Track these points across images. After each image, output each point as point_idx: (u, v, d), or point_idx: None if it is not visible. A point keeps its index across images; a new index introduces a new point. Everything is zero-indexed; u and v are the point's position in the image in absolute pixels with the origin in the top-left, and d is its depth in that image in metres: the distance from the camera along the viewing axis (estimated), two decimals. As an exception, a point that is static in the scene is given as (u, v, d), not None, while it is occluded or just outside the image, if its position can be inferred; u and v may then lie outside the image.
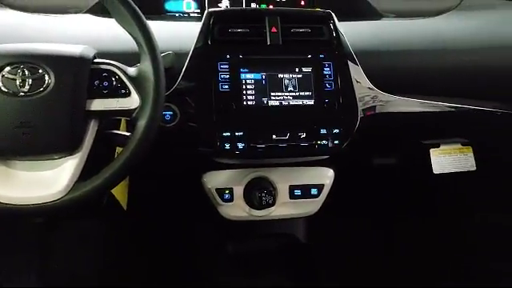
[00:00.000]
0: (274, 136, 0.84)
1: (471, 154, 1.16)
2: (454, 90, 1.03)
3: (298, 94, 0.86)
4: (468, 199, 1.42)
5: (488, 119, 1.08)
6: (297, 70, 0.87)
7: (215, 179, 0.93)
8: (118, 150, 0.78)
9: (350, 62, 0.90)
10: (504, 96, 1.06)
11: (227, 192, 0.93)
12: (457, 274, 1.34)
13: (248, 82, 0.85)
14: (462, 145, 1.17)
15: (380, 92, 0.93)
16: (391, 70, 0.97)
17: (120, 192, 1.04)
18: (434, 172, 1.14)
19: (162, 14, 1.11)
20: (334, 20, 0.92)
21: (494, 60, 1.02)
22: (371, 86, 0.92)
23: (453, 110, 1.02)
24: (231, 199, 0.93)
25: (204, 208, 0.96)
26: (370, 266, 1.33)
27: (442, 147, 1.15)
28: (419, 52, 0.99)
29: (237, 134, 0.82)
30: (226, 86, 0.84)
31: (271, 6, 1.14)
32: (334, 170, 0.97)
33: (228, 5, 1.12)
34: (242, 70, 0.85)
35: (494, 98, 1.06)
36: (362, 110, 0.90)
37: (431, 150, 1.14)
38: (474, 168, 1.15)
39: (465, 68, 1.00)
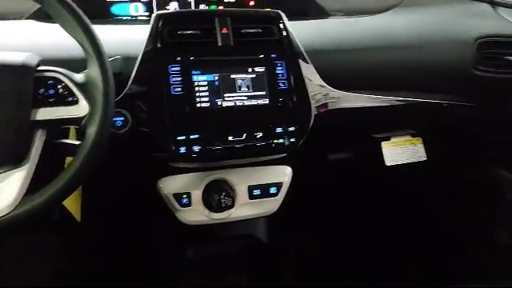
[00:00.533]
0: (230, 137, 0.83)
1: (421, 145, 1.21)
2: (402, 85, 1.06)
3: (252, 94, 0.86)
4: (420, 189, 1.47)
5: (435, 111, 1.12)
6: (249, 70, 0.87)
7: (172, 184, 0.91)
8: (68, 159, 0.75)
9: (301, 61, 0.91)
10: (448, 88, 1.11)
11: (185, 196, 0.91)
12: (415, 267, 1.38)
13: (201, 83, 0.84)
14: (412, 136, 1.21)
15: (331, 89, 0.95)
16: (341, 67, 0.99)
17: (72, 203, 1.00)
18: (387, 164, 1.17)
19: (108, 17, 1.07)
20: (283, 20, 0.92)
21: (437, 54, 1.06)
22: (323, 83, 0.93)
23: (402, 103, 1.06)
24: (189, 204, 0.91)
25: (162, 214, 0.94)
26: (332, 262, 1.35)
27: (392, 140, 1.19)
28: (367, 49, 1.01)
29: (192, 137, 0.81)
30: (179, 89, 0.82)
31: (221, 7, 1.14)
32: (291, 168, 0.98)
33: (177, 7, 1.10)
34: (193, 71, 0.84)
35: (439, 91, 1.11)
36: (316, 107, 0.91)
37: (383, 143, 1.18)
38: (425, 158, 1.20)
39: (411, 63, 1.04)
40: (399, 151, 1.19)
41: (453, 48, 1.06)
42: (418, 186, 1.46)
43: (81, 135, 0.67)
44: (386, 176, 1.35)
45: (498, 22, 1.13)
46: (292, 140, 0.86)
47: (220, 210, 0.91)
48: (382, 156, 1.18)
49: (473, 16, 1.15)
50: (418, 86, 1.08)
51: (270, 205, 0.96)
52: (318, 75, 0.93)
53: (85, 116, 0.66)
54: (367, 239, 1.42)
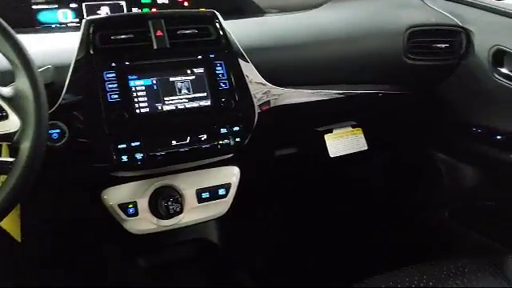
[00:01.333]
0: (173, 142, 0.82)
1: (362, 135, 1.25)
2: (341, 78, 1.09)
3: (192, 96, 0.85)
4: (364, 177, 1.52)
5: (372, 101, 1.16)
6: (188, 71, 0.86)
7: (116, 194, 0.88)
8: (3, 178, 0.71)
9: (240, 60, 0.91)
10: (383, 78, 1.15)
11: (131, 206, 0.89)
12: (366, 254, 1.41)
13: (138, 88, 0.81)
14: (353, 127, 1.25)
15: (272, 86, 0.95)
16: (280, 64, 0.99)
17: (11, 223, 0.95)
18: (331, 156, 1.20)
19: (35, 26, 1.02)
20: (219, 19, 0.92)
21: (370, 46, 1.09)
22: (264, 81, 0.94)
23: (341, 96, 1.08)
24: (136, 213, 0.89)
25: (109, 226, 0.91)
26: (284, 260, 1.36)
27: (334, 132, 1.22)
28: (303, 44, 1.02)
29: (133, 144, 0.79)
30: (116, 96, 0.80)
31: (154, 10, 1.11)
32: (239, 167, 0.98)
33: (108, 11, 1.07)
34: (130, 77, 0.81)
35: (375, 81, 1.14)
36: (258, 105, 0.91)
37: (326, 136, 1.20)
38: (366, 147, 1.24)
39: (346, 56, 1.06)
40: (342, 143, 1.22)
41: (385, 39, 1.10)
42: (361, 174, 1.50)
43: (14, 152, 0.63)
44: (331, 167, 1.38)
45: (425, 12, 1.18)
46: (237, 140, 0.86)
47: (169, 216, 0.90)
48: (327, 148, 1.21)
49: (402, 7, 1.19)
50: (355, 79, 1.11)
51: (220, 207, 0.95)
52: (258, 73, 0.93)
53: (16, 131, 0.62)
54: (318, 232, 1.45)
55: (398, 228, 1.46)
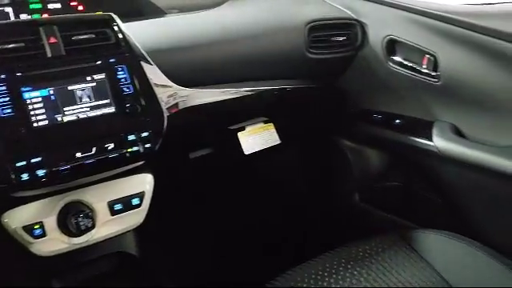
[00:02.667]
0: (78, 154, 0.77)
1: (274, 130, 1.27)
2: (248, 75, 1.10)
3: (95, 103, 0.81)
4: (280, 171, 1.55)
5: (281, 96, 1.18)
6: (88, 78, 0.81)
7: (19, 216, 0.81)
8: None
9: (143, 63, 0.88)
10: (289, 73, 1.18)
11: (37, 227, 0.82)
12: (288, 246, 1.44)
13: (34, 100, 0.76)
14: (264, 123, 1.27)
15: (179, 88, 0.94)
16: (185, 64, 0.98)
17: None
18: (245, 153, 1.21)
19: None
20: (116, 22, 0.88)
21: (274, 42, 1.11)
22: (170, 83, 0.92)
23: (250, 93, 1.09)
24: (44, 234, 0.82)
25: (15, 253, 0.84)
26: (205, 263, 1.35)
27: (247, 129, 1.23)
28: (207, 43, 1.02)
29: (33, 160, 0.73)
30: (9, 110, 0.73)
31: (46, 15, 1.04)
32: (152, 174, 0.94)
33: (-8, 19, 0.98)
34: (23, 88, 0.75)
35: (282, 76, 1.17)
36: (166, 108, 0.89)
37: (239, 134, 1.21)
38: (279, 141, 1.26)
39: (251, 53, 1.08)
40: (255, 139, 1.23)
41: (287, 34, 1.12)
42: (276, 168, 1.53)
43: None
44: (247, 164, 1.39)
45: (322, 7, 1.22)
46: (147, 146, 0.83)
47: (80, 233, 0.84)
48: (241, 146, 1.21)
49: (301, 3, 1.22)
50: (262, 75, 1.12)
51: (135, 217, 0.91)
52: (163, 75, 0.91)
53: None
54: (238, 230, 1.45)
55: (315, 217, 1.52)
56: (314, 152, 1.56)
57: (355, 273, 0.89)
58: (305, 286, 0.86)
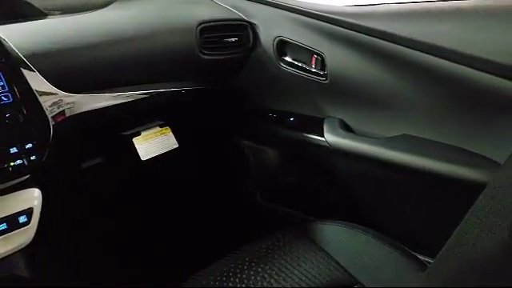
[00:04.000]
0: None
1: (171, 134, 1.25)
2: (139, 78, 1.06)
3: None
4: (180, 175, 1.53)
5: (175, 98, 1.16)
6: None
7: None
8: None
9: (23, 69, 0.81)
10: (183, 75, 1.16)
11: None
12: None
13: None
14: (160, 127, 1.24)
15: (65, 94, 0.88)
16: (70, 68, 0.92)
17: None
18: (142, 159, 1.17)
19: None
20: None
21: (164, 43, 1.09)
22: (54, 89, 0.86)
23: (143, 96, 1.06)
24: None
25: None
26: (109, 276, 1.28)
27: (142, 134, 1.19)
28: (93, 45, 0.96)
29: None
30: None
31: None
32: (40, 189, 0.87)
33: None
34: None
35: (176, 79, 1.15)
36: (52, 117, 0.83)
37: (134, 139, 1.17)
38: (177, 145, 1.24)
39: (141, 54, 1.04)
40: (151, 144, 1.20)
41: (177, 35, 1.11)
42: (176, 172, 1.50)
43: None
44: (145, 171, 1.35)
45: (213, 8, 1.22)
46: (32, 158, 0.77)
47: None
48: (137, 152, 1.17)
49: (191, 3, 1.22)
50: (154, 77, 1.10)
51: (23, 236, 0.84)
52: (46, 82, 0.84)
53: None
54: (142, 240, 1.40)
55: (219, 218, 1.52)
56: (214, 153, 1.56)
57: (259, 270, 0.90)
58: None
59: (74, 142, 0.96)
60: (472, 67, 0.85)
